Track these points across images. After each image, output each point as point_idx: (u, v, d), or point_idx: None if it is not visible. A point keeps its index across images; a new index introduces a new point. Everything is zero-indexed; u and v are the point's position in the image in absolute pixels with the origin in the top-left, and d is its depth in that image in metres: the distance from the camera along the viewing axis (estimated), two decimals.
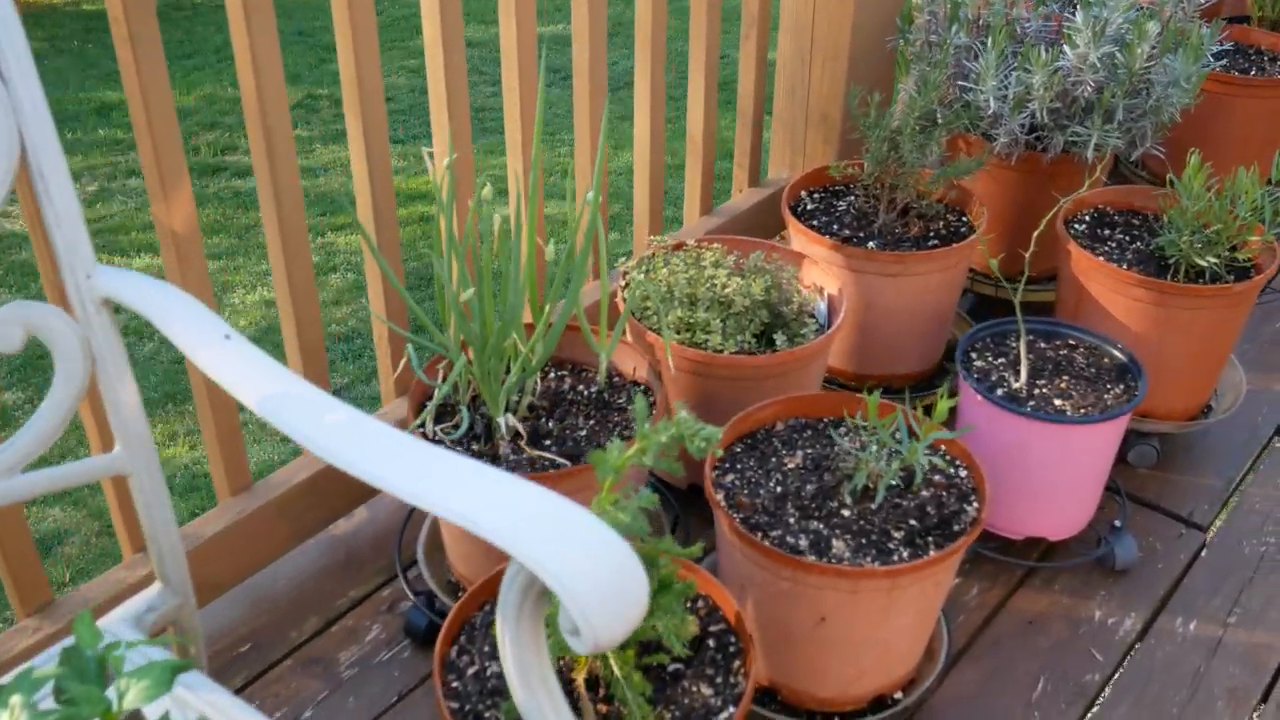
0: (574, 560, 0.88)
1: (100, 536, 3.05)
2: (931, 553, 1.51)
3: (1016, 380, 1.84)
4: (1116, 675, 1.76)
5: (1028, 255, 1.85)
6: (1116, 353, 1.89)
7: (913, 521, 1.55)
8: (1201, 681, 1.75)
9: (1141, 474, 2.11)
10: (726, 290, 1.82)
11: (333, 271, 4.12)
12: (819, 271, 1.96)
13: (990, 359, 1.89)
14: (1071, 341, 1.93)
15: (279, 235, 1.70)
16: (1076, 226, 2.13)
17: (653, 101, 2.18)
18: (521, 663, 0.98)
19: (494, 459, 1.61)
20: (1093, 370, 1.87)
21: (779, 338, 1.81)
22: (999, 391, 1.82)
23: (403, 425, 1.63)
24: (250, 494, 1.83)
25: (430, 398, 1.68)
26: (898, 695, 1.66)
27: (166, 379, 3.60)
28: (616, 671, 1.31)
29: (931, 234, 2.12)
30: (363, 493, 1.98)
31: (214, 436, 1.76)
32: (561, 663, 1.36)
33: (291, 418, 1.04)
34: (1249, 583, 1.91)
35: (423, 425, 1.67)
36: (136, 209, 4.51)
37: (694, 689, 1.36)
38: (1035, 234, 1.86)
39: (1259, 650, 1.80)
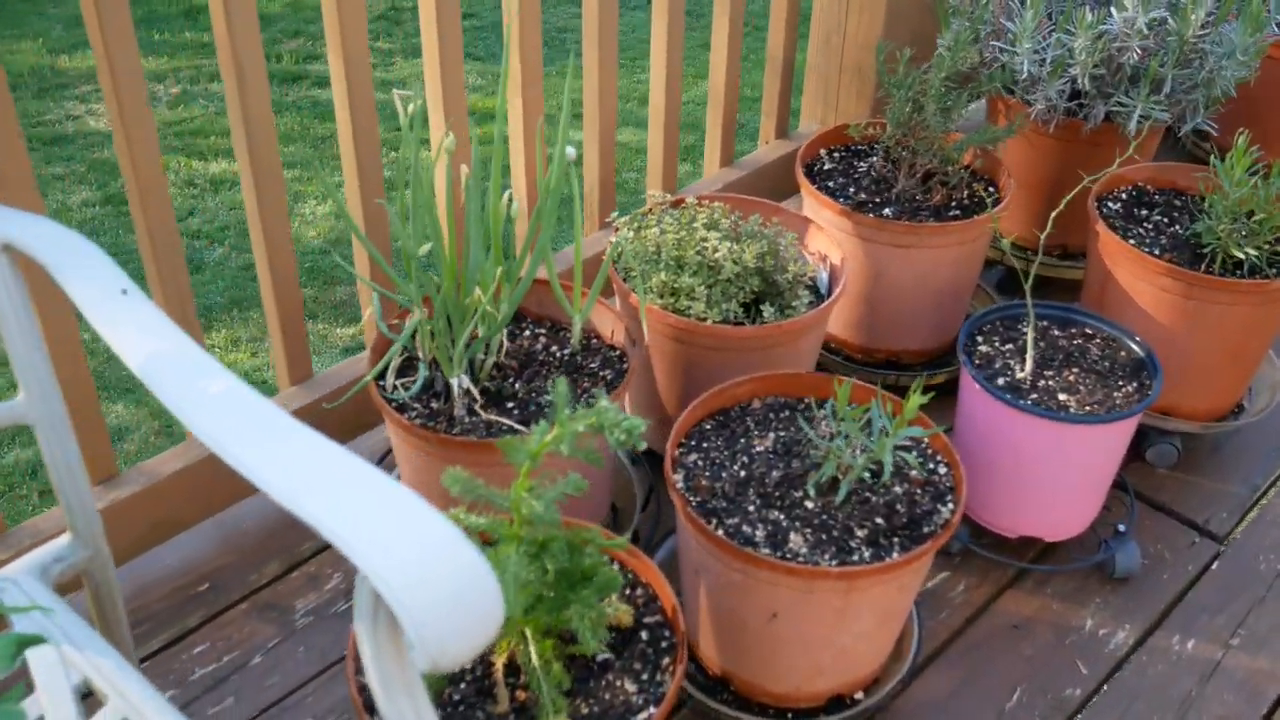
0: (410, 569, 0.80)
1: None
2: (895, 555, 1.41)
3: (1021, 369, 1.72)
4: (1100, 692, 1.66)
5: (1043, 236, 1.72)
6: (1134, 346, 1.76)
7: (879, 519, 1.45)
8: (1191, 707, 1.64)
9: (1159, 474, 1.99)
10: (716, 255, 1.72)
11: (406, 188, 4.07)
12: (824, 238, 1.85)
13: (997, 344, 1.77)
14: (1088, 331, 1.80)
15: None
16: (1110, 205, 1.98)
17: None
18: (383, 672, 0.92)
19: (449, 420, 1.54)
20: (1106, 364, 1.74)
21: (767, 309, 1.71)
22: (1000, 381, 1.70)
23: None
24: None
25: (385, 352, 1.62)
26: (858, 695, 1.58)
27: (234, 284, 3.61)
28: (534, 660, 1.25)
29: (954, 203, 1.99)
30: (343, 436, 1.93)
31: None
32: (475, 667, 1.29)
33: (167, 384, 0.98)
34: (1260, 602, 1.79)
35: (383, 379, 1.61)
36: (217, 113, 4.50)
37: (618, 683, 1.29)
38: (1053, 214, 1.73)
39: (1259, 678, 1.68)
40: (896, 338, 2.03)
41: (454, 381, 1.52)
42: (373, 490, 0.86)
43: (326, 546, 1.84)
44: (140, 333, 1.03)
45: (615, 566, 1.41)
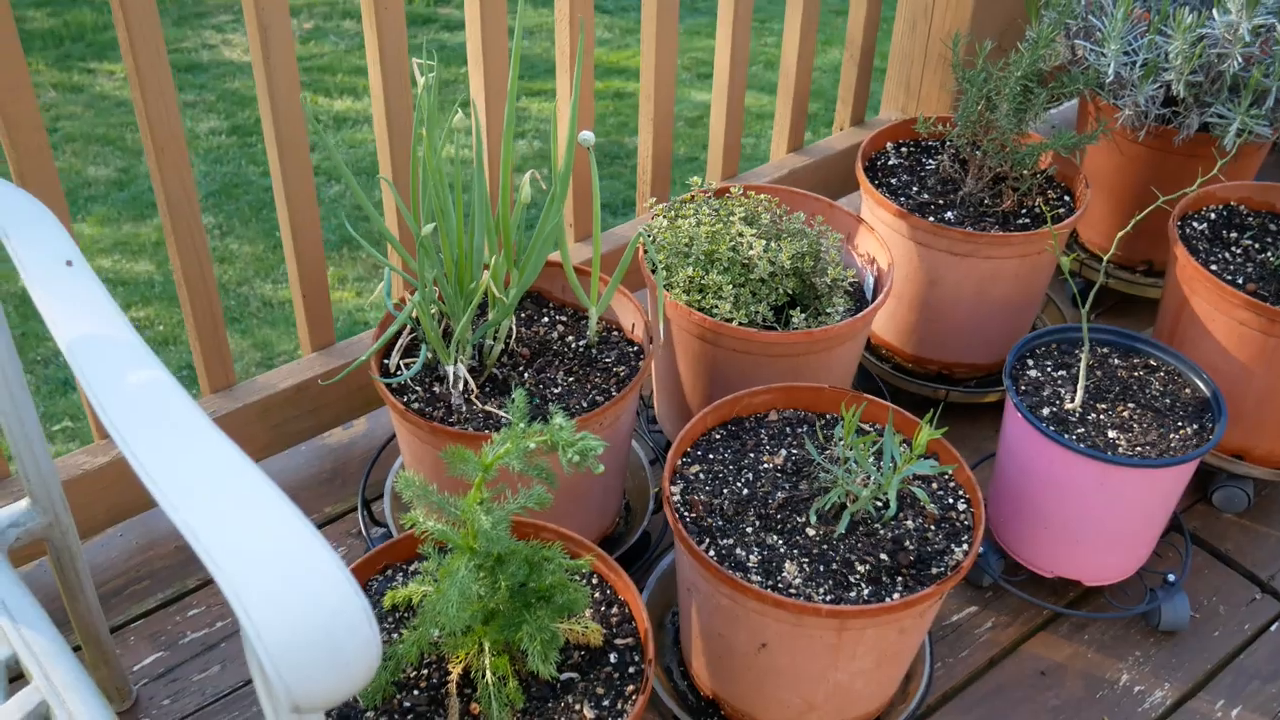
0: (272, 603, 0.74)
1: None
2: (895, 596, 1.31)
3: (1071, 400, 1.59)
4: None
5: (1106, 256, 1.58)
6: (1200, 384, 1.62)
7: (883, 555, 1.35)
8: None
9: (1224, 520, 1.84)
10: (750, 252, 1.62)
11: (520, 138, 4.04)
12: (874, 240, 1.74)
13: (1049, 369, 1.64)
14: (1152, 362, 1.66)
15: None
16: (1195, 224, 1.82)
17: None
18: (268, 702, 0.86)
19: (448, 408, 1.48)
20: (1167, 401, 1.60)
21: (796, 315, 1.60)
22: (1046, 410, 1.58)
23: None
24: (230, 394, 1.75)
25: (402, 330, 1.56)
26: None
27: (351, 221, 3.63)
28: (488, 677, 1.18)
29: (1024, 210, 1.85)
30: (358, 406, 1.89)
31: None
32: (433, 656, 1.24)
33: (89, 366, 0.93)
34: None
35: (388, 355, 1.55)
36: (347, 51, 4.52)
37: (576, 707, 1.22)
38: (1119, 233, 1.59)
39: None
40: (950, 350, 1.91)
41: (449, 369, 1.45)
42: (258, 513, 0.80)
43: (336, 518, 1.81)
44: (76, 308, 0.98)
45: (594, 580, 1.34)
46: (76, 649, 1.54)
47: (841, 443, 1.40)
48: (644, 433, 1.87)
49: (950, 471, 1.44)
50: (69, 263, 1.01)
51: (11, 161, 1.40)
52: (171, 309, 3.35)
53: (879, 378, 1.97)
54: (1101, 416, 1.57)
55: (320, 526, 1.79)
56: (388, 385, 1.48)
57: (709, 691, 1.50)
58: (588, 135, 1.42)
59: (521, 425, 1.04)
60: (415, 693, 1.22)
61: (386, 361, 1.55)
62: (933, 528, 1.39)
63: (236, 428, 1.74)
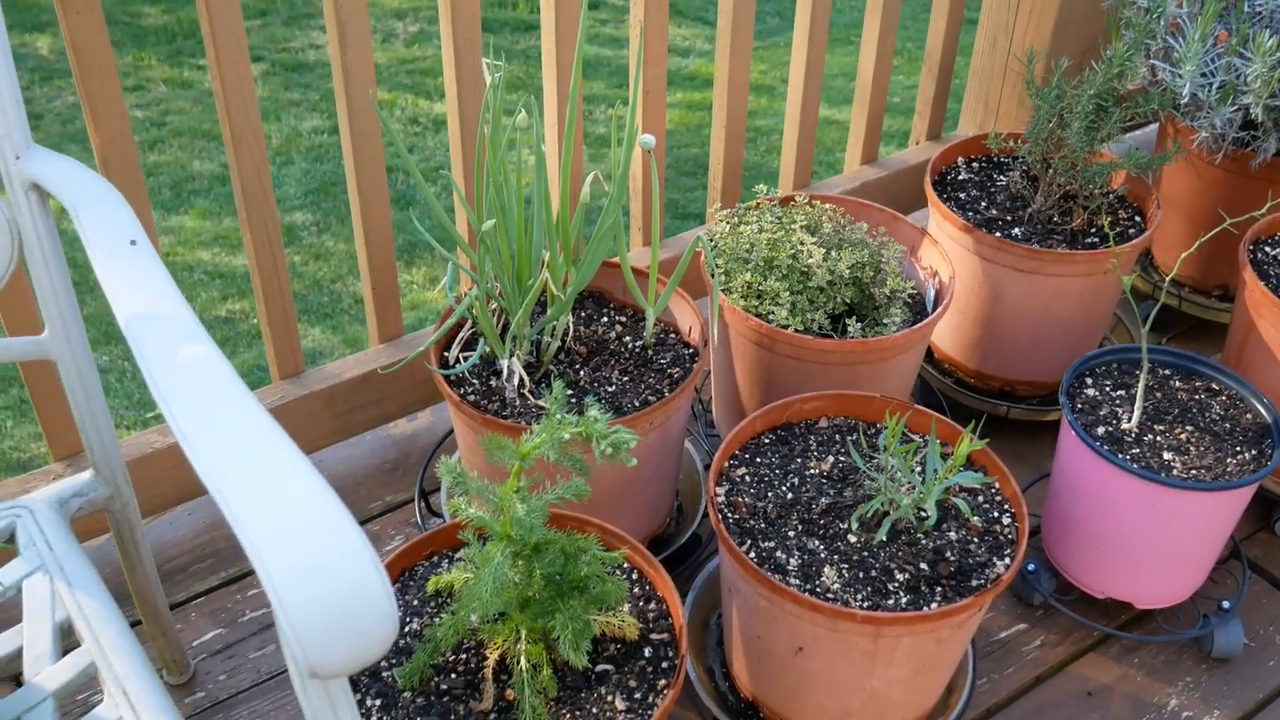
0: (298, 570, 0.77)
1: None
2: (932, 606, 1.31)
3: (1128, 420, 1.57)
4: None
5: (1167, 280, 1.56)
6: (1262, 410, 1.59)
7: (923, 565, 1.35)
8: None
9: None
10: (809, 260, 1.63)
11: (606, 143, 4.11)
12: (937, 253, 1.74)
13: (1108, 389, 1.63)
14: (1214, 386, 1.64)
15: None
16: (1267, 249, 1.79)
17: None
18: (293, 667, 0.89)
19: (501, 403, 1.51)
20: (1226, 425, 1.58)
21: (852, 324, 1.61)
22: (1101, 430, 1.56)
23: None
24: (298, 381, 1.81)
25: (465, 323, 1.60)
26: None
27: (441, 224, 3.72)
28: (523, 663, 1.21)
29: (1093, 229, 1.84)
30: (422, 399, 1.93)
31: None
32: (471, 641, 1.27)
33: (145, 342, 0.97)
34: None
35: (449, 348, 1.59)
36: None
37: (609, 698, 1.24)
38: (1183, 254, 1.57)
39: None
40: (1013, 366, 1.89)
41: (503, 363, 1.49)
42: (288, 486, 0.83)
43: (396, 507, 1.85)
44: (135, 285, 1.03)
45: (633, 576, 1.36)
46: (136, 624, 1.60)
47: (886, 451, 1.41)
48: (701, 437, 1.89)
49: (995, 484, 1.43)
50: (133, 242, 1.06)
51: (95, 144, 1.46)
52: None
53: (940, 392, 1.97)
54: (1158, 438, 1.55)
55: (380, 515, 1.83)
56: (445, 377, 1.52)
57: (749, 694, 1.51)
58: (648, 138, 1.45)
59: (559, 416, 1.06)
60: (453, 676, 1.25)
61: (447, 354, 1.59)
62: (975, 540, 1.38)
63: (303, 414, 1.79)
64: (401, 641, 1.28)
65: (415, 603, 1.32)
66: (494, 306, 1.59)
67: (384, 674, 1.25)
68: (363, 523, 1.82)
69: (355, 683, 1.24)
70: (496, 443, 1.08)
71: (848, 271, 1.62)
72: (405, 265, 3.57)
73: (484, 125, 1.40)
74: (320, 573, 0.78)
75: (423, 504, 1.79)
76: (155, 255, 1.05)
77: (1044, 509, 1.69)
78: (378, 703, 1.23)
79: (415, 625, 1.30)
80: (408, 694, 1.23)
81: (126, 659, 1.09)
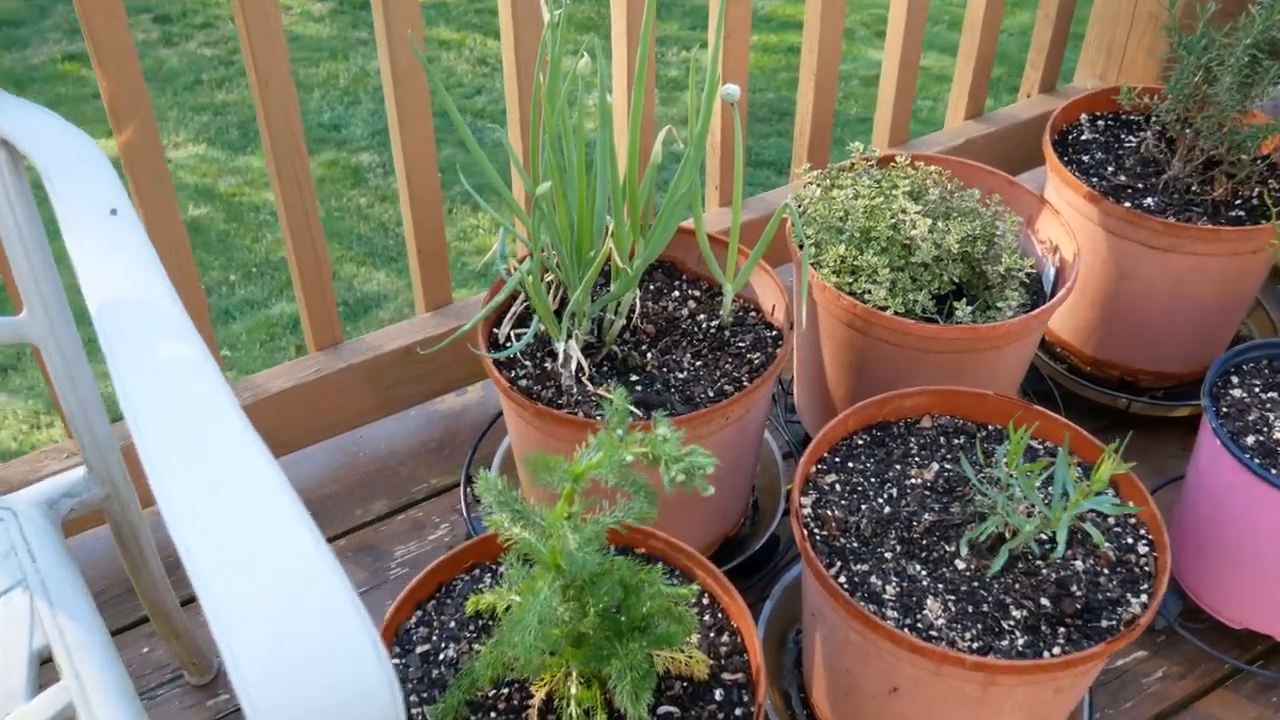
0: (281, 674, 0.60)
1: None
2: (1055, 651, 1.11)
3: None
4: None
5: None
6: None
7: (1044, 600, 1.15)
8: None
9: None
10: (913, 232, 1.42)
11: (681, 89, 3.91)
12: (1058, 226, 1.51)
13: (1257, 390, 1.41)
14: None
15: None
16: None
17: None
18: None
19: (557, 389, 1.33)
20: None
21: (961, 307, 1.40)
22: (1250, 439, 1.34)
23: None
24: (336, 352, 1.64)
25: (518, 295, 1.41)
26: None
27: (507, 167, 3.57)
28: (572, 709, 1.03)
29: (1239, 201, 1.60)
30: (473, 372, 1.76)
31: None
32: (512, 683, 1.09)
33: (112, 334, 0.80)
34: None
35: (499, 324, 1.40)
36: None
37: None
38: None
39: None
40: (1137, 354, 1.67)
41: (559, 346, 1.30)
42: (274, 548, 0.65)
43: (442, 492, 1.68)
44: (112, 263, 0.85)
45: (704, 600, 1.17)
46: (144, 620, 1.46)
47: (1004, 464, 1.20)
48: (780, 423, 1.69)
49: (1138, 516, 1.22)
50: (114, 211, 0.88)
51: (104, 90, 1.29)
52: (332, 245, 3.34)
53: (1051, 379, 1.75)
54: None
55: (425, 500, 1.67)
56: (496, 358, 1.34)
57: None
58: (732, 89, 1.25)
59: (619, 432, 0.88)
60: (492, 715, 1.08)
61: (497, 331, 1.41)
62: (1106, 571, 1.18)
63: (341, 389, 1.62)
64: (435, 672, 1.11)
65: (452, 625, 1.15)
66: (551, 278, 1.40)
67: (414, 713, 1.08)
68: (406, 508, 1.65)
69: None
70: (545, 463, 0.90)
71: (956, 246, 1.41)
72: (472, 210, 3.40)
73: (540, 72, 1.21)
74: (309, 683, 0.60)
75: (468, 491, 1.62)
76: (139, 228, 0.88)
77: (1172, 522, 1.48)
78: None
79: (451, 652, 1.13)
80: None
81: (106, 699, 0.93)
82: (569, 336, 1.31)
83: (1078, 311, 1.67)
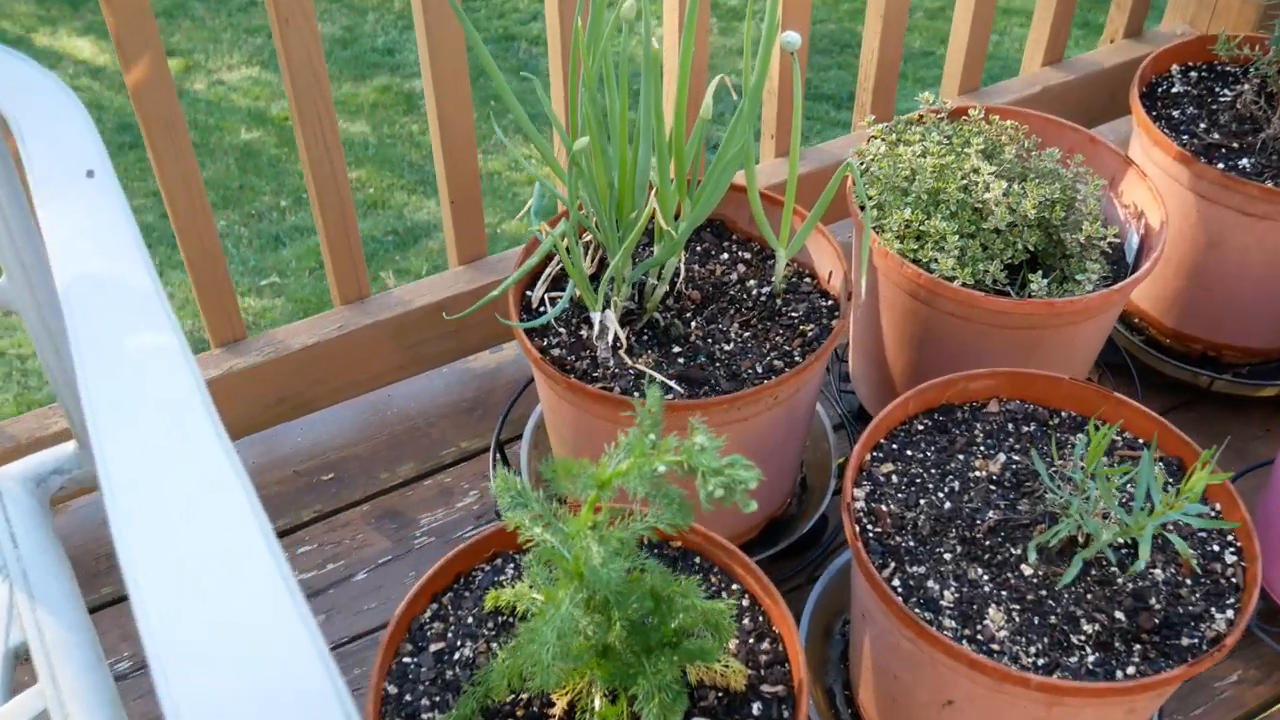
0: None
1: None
2: (1129, 670, 1.01)
3: None
4: None
5: None
6: None
7: (1119, 614, 1.04)
8: None
9: None
10: (986, 195, 1.29)
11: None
12: (1145, 190, 1.38)
13: None
14: None
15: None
16: None
17: None
18: None
19: (593, 360, 1.23)
20: None
21: (1036, 279, 1.28)
22: None
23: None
24: (362, 307, 1.55)
25: (553, 256, 1.31)
26: None
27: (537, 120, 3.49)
28: None
29: None
30: (505, 330, 1.66)
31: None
32: (525, 694, 1.00)
33: (79, 318, 0.71)
34: None
35: (533, 286, 1.30)
36: None
37: None
38: None
39: None
40: (1223, 329, 1.54)
41: (594, 316, 1.20)
42: (237, 596, 0.56)
43: (471, 456, 1.59)
44: (84, 235, 0.76)
45: (744, 601, 1.08)
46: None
47: (1081, 461, 1.09)
48: (833, 394, 1.58)
49: (1233, 533, 1.10)
50: (90, 173, 0.78)
51: (110, 24, 1.19)
52: (383, 173, 3.27)
53: (1127, 350, 1.63)
54: None
55: (454, 464, 1.58)
56: (527, 326, 1.24)
57: None
58: (793, 37, 1.12)
59: (651, 437, 0.78)
60: None
61: (530, 293, 1.31)
62: (1188, 582, 1.07)
63: (367, 346, 1.54)
64: (450, 673, 1.03)
65: (470, 621, 1.06)
66: (590, 239, 1.30)
67: (424, 718, 1.00)
68: (434, 472, 1.57)
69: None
70: (567, 468, 0.80)
71: (1033, 211, 1.29)
72: (525, 140, 3.30)
73: (581, 16, 1.09)
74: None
75: (498, 457, 1.53)
76: (118, 194, 0.78)
77: (1256, 513, 1.36)
78: None
79: (468, 651, 1.04)
80: None
81: (88, 710, 0.85)
82: (606, 305, 1.21)
83: (1160, 280, 1.54)
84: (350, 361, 1.53)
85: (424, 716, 1.00)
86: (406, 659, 1.04)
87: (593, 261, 1.29)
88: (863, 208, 1.33)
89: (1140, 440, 1.18)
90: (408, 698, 1.01)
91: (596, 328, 1.20)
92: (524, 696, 1.01)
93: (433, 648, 1.05)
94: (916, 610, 1.05)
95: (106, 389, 0.67)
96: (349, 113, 3.49)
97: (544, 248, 1.20)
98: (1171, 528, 1.08)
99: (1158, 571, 1.07)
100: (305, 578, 1.46)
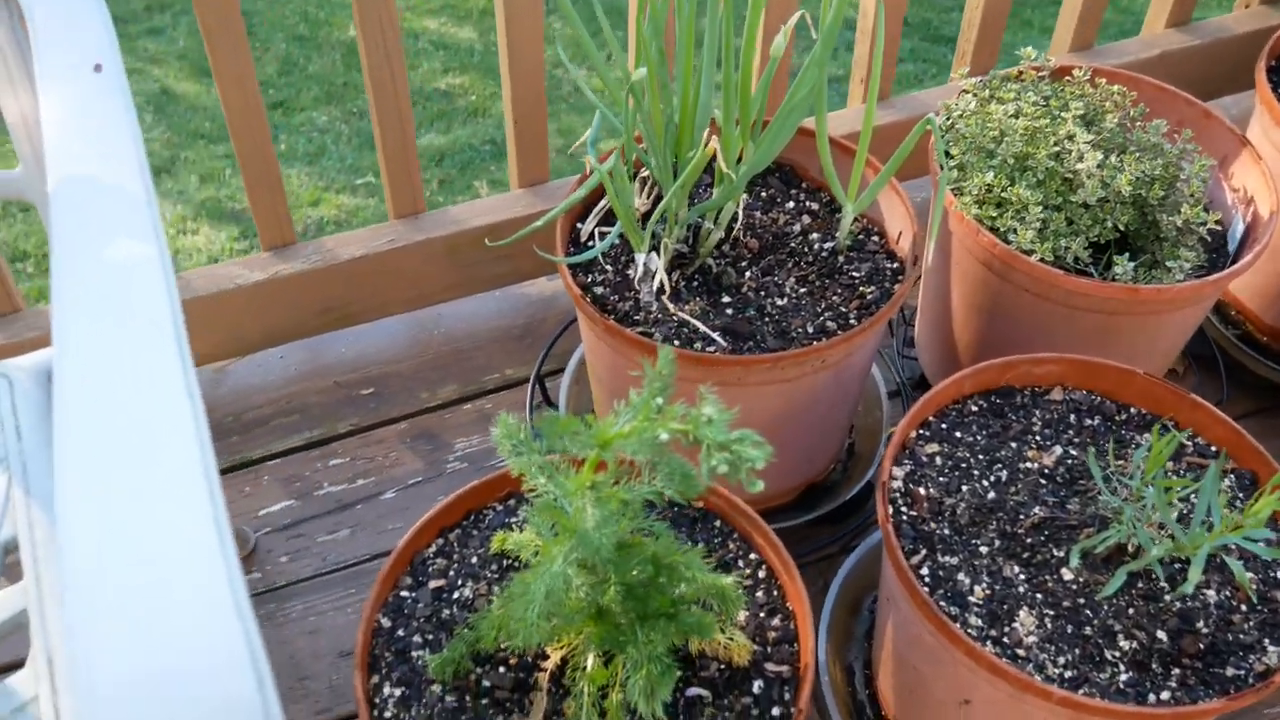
0: (129, 663, 0.47)
1: None
2: (1163, 696, 0.94)
3: None
4: None
5: None
6: None
7: (1161, 634, 0.97)
8: None
9: None
10: (1078, 166, 1.20)
11: None
12: (1257, 174, 1.27)
13: None
14: None
15: None
16: None
17: None
18: None
19: (635, 304, 1.17)
20: None
21: (1121, 262, 1.18)
22: None
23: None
24: (416, 222, 1.50)
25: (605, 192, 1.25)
26: None
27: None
28: (586, 689, 0.90)
29: None
30: None
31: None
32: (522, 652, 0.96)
33: (66, 220, 0.67)
34: None
35: (584, 219, 1.25)
36: None
37: None
38: None
39: None
40: None
41: (638, 257, 1.14)
42: (160, 530, 0.52)
43: (515, 384, 1.55)
44: (85, 132, 0.72)
45: (760, 574, 1.02)
46: None
47: (1141, 467, 1.01)
48: (895, 358, 1.51)
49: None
50: (98, 67, 0.74)
51: None
52: (486, 81, 3.22)
53: (1217, 343, 1.52)
54: None
55: (495, 391, 1.54)
56: (570, 261, 1.18)
57: (891, 716, 1.18)
58: None
59: (658, 400, 0.72)
60: (500, 670, 0.96)
61: (581, 226, 1.25)
62: (1243, 609, 0.99)
63: (417, 262, 1.50)
64: (446, 612, 0.99)
65: (474, 560, 1.03)
66: (647, 175, 1.23)
67: (414, 655, 0.97)
68: (475, 397, 1.53)
69: (375, 662, 0.96)
70: (563, 425, 0.75)
71: (1129, 188, 1.19)
72: (596, 35, 3.23)
73: None
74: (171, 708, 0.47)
75: (537, 388, 1.48)
76: (124, 90, 0.74)
77: None
78: (398, 692, 0.94)
79: (467, 592, 1.00)
80: (438, 687, 0.95)
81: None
82: (654, 247, 1.15)
83: (1264, 274, 1.44)
84: (399, 277, 1.49)
85: (414, 653, 0.97)
86: (405, 593, 1.01)
87: (648, 198, 1.23)
88: (943, 167, 1.25)
89: (1214, 448, 1.09)
90: (400, 632, 0.98)
91: (639, 269, 1.14)
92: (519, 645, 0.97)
93: (432, 584, 1.01)
94: (942, 604, 0.98)
95: (74, 291, 0.63)
96: (458, 18, 3.44)
97: (592, 181, 1.14)
98: (1233, 549, 1.00)
99: (1211, 593, 0.99)
100: (334, 491, 1.44)
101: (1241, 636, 0.97)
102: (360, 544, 1.40)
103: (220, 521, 0.52)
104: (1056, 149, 1.21)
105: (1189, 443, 1.10)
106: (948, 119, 1.28)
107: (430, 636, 0.98)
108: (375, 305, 1.51)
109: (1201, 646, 0.96)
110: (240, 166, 1.38)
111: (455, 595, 1.00)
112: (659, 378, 0.72)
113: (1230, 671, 0.95)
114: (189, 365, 0.60)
